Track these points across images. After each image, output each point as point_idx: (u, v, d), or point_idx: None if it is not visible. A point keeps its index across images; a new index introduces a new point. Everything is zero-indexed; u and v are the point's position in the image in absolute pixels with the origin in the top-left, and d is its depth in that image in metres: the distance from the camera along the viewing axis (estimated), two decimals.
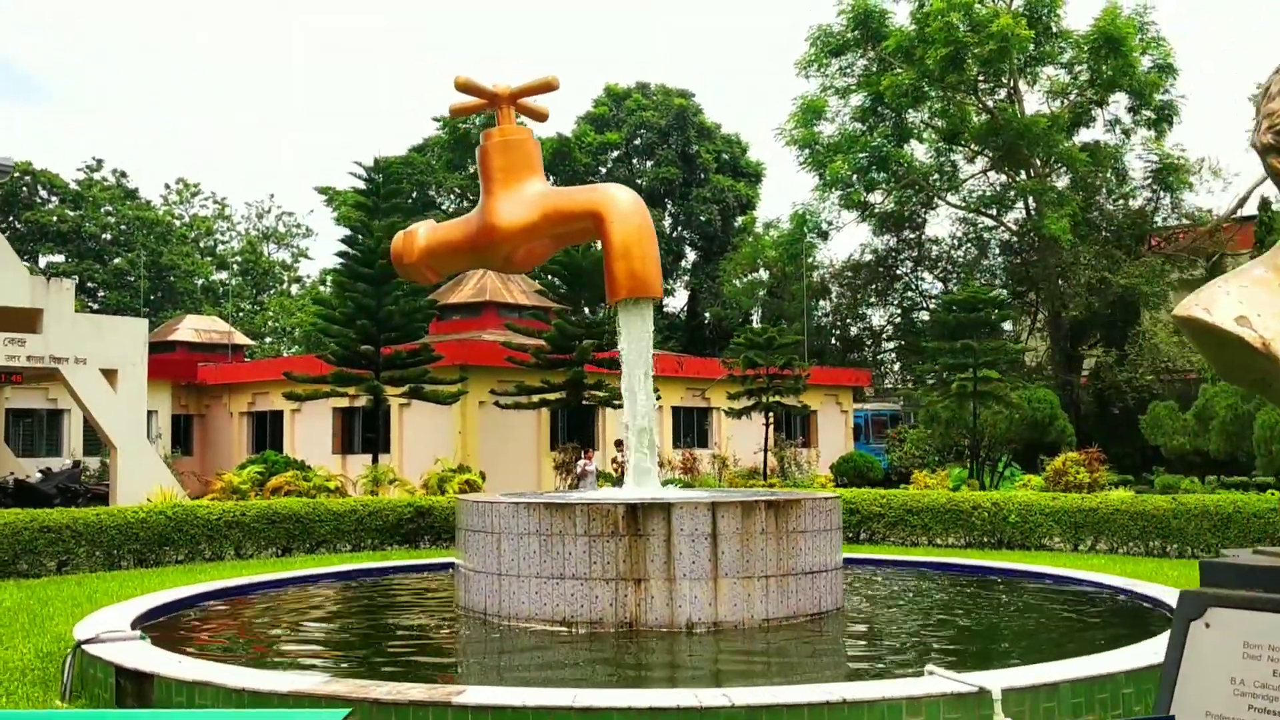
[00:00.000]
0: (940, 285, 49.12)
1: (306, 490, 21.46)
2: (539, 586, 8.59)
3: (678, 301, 59.40)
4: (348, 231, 24.27)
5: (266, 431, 32.31)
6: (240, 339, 43.15)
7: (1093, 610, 9.58)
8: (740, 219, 56.02)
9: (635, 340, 9.90)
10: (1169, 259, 42.80)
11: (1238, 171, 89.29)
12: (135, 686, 6.85)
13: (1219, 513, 15.51)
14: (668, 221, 55.50)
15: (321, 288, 71.78)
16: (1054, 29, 39.60)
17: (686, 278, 58.26)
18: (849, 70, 45.19)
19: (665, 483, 24.43)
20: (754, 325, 31.23)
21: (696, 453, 30.90)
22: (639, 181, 56.08)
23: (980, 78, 41.36)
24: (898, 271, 49.52)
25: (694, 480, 26.31)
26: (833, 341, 50.91)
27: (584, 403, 25.50)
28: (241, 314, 65.96)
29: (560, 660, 7.70)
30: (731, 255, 53.26)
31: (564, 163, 54.69)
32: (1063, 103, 43.66)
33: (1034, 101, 44.43)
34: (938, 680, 5.98)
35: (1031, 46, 38.34)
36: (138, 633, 7.75)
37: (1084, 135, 44.25)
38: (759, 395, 26.45)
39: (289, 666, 7.49)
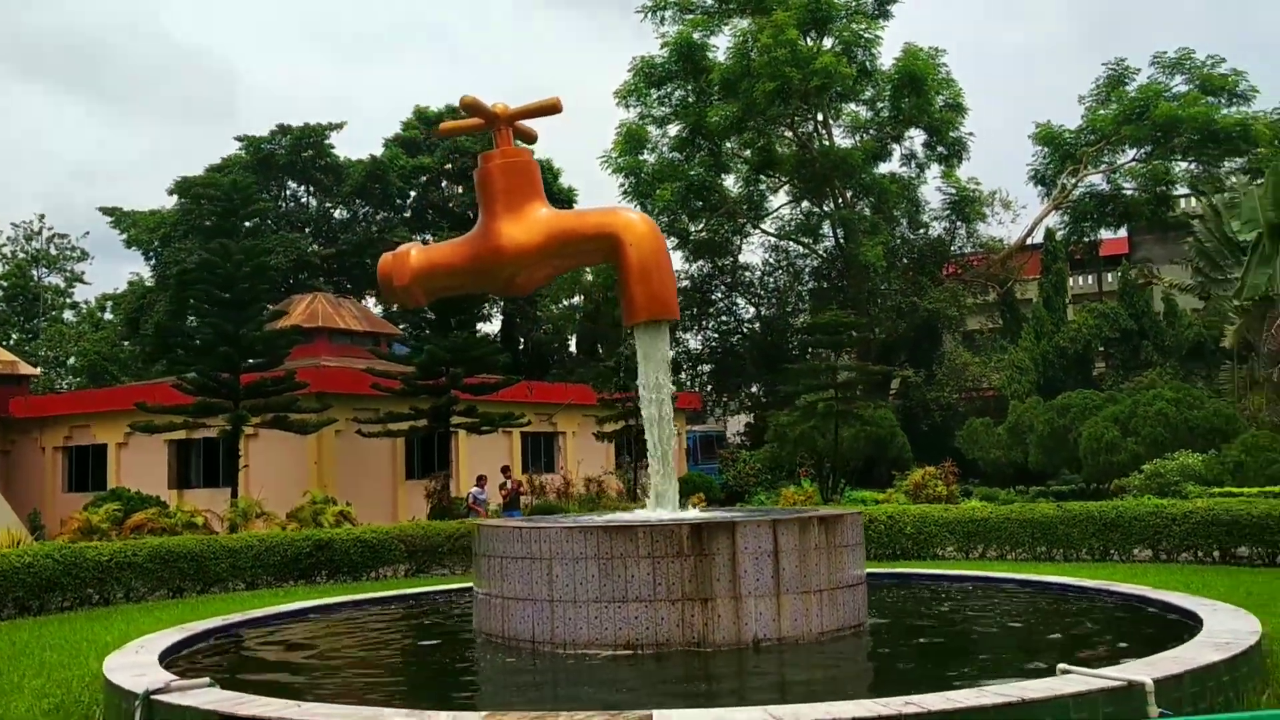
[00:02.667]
0: (753, 310, 50.86)
1: (171, 527, 20.23)
2: (599, 611, 8.51)
3: (493, 326, 59.02)
4: (146, 252, 23.07)
5: (88, 467, 30.07)
6: (25, 369, 40.02)
7: (1084, 609, 10.27)
8: None
9: (654, 362, 9.98)
10: (965, 285, 45.81)
11: (1024, 204, 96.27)
12: None
13: (1103, 518, 16.79)
14: None
15: (103, 314, 67.49)
16: (869, 67, 41.73)
17: (503, 302, 57.94)
18: (666, 100, 46.29)
19: (538, 510, 24.38)
20: (623, 351, 31.42)
21: (547, 477, 30.81)
22: (453, 206, 55.52)
23: (795, 113, 43.19)
24: (713, 297, 50.89)
25: (567, 503, 26.19)
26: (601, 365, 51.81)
27: (451, 429, 25.05)
28: (10, 343, 61.08)
29: (654, 681, 7.67)
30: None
31: (377, 185, 53.58)
32: (862, 137, 46.15)
33: (837, 135, 46.81)
34: (1086, 678, 6.35)
35: (857, 83, 40.28)
36: (206, 679, 7.23)
37: (881, 168, 46.88)
38: (629, 418, 26.69)
39: (393, 704, 7.14)
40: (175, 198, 53.15)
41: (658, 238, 9.95)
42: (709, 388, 56.37)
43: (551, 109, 10.60)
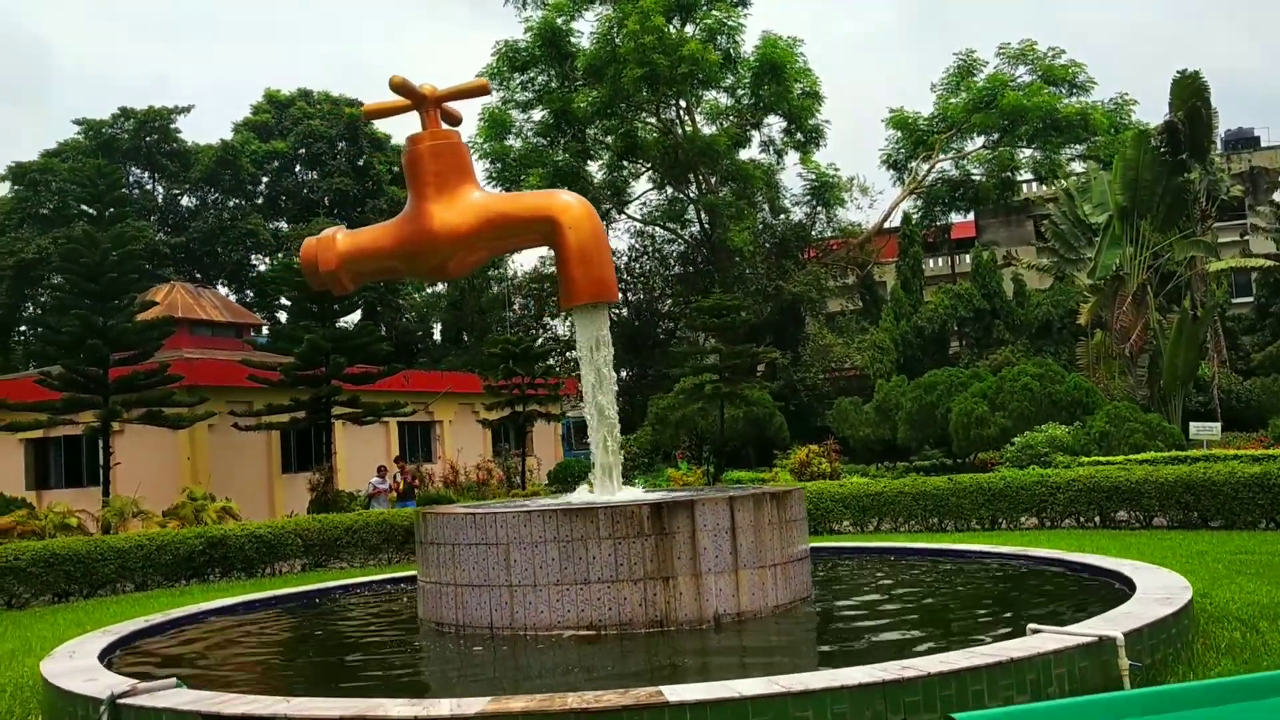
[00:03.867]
0: (620, 296, 51.11)
1: (42, 530, 19.24)
2: (560, 594, 8.49)
3: (355, 314, 57.70)
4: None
5: None
6: None
7: (1011, 575, 10.73)
8: None
9: (595, 343, 9.97)
10: (827, 268, 47.02)
11: (881, 190, 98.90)
12: None
13: (991, 489, 17.53)
14: None
15: None
16: (732, 54, 42.32)
17: (365, 290, 56.79)
18: (530, 85, 46.07)
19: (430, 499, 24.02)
20: (509, 335, 31.12)
21: (428, 467, 30.39)
22: (309, 195, 54.04)
23: (660, 99, 43.51)
24: None
25: (453, 492, 25.87)
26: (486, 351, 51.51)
27: (332, 420, 24.45)
28: None
29: (626, 660, 7.70)
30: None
31: (227, 171, 51.72)
32: (723, 124, 46.84)
33: (699, 122, 47.35)
34: (1060, 636, 6.66)
35: (722, 70, 40.78)
36: (173, 680, 6.93)
37: (742, 155, 47.68)
38: (516, 405, 26.50)
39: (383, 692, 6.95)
40: (8, 184, 50.28)
41: (595, 221, 9.92)
42: (578, 373, 56.55)
43: (480, 90, 10.46)
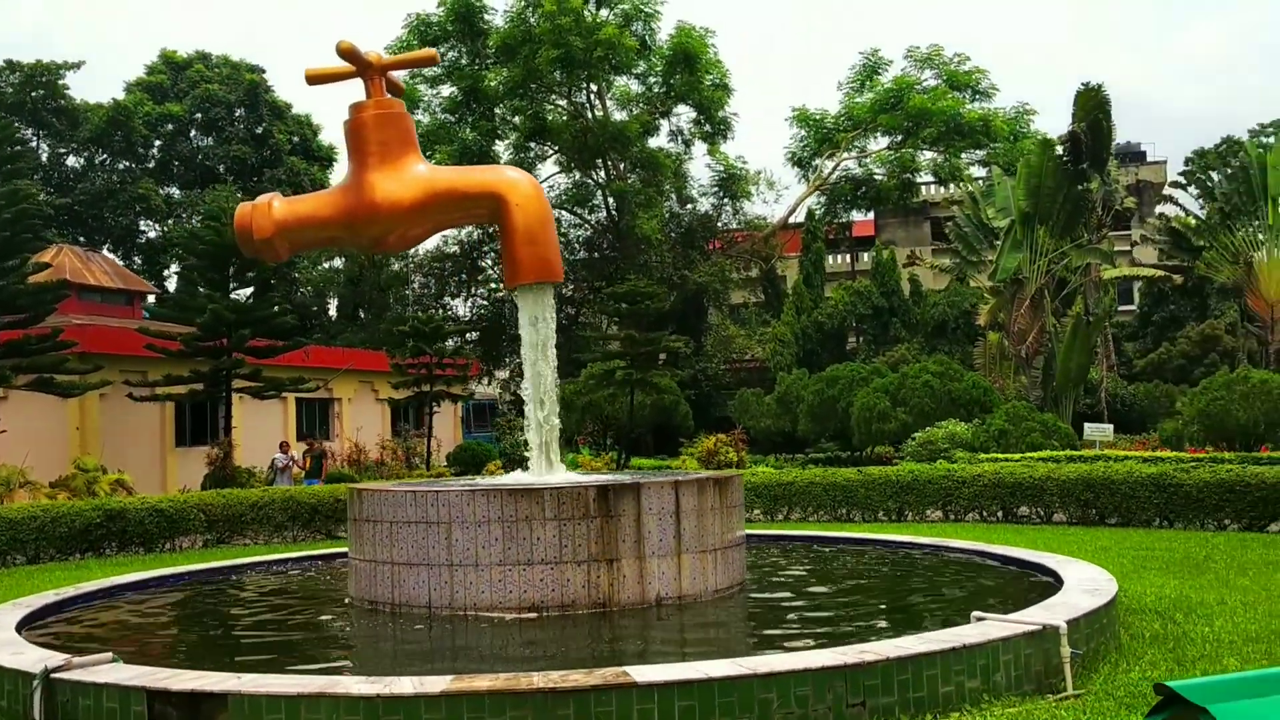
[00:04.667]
0: None
1: None
2: (503, 574, 8.41)
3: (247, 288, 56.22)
4: None
5: None
6: None
7: (937, 564, 10.97)
8: None
9: (538, 324, 9.89)
10: (731, 260, 47.43)
11: (788, 185, 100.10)
12: (188, 713, 5.97)
13: (899, 482, 17.92)
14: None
15: None
16: (648, 41, 42.29)
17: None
18: (439, 61, 45.36)
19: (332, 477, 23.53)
20: (420, 314, 30.58)
21: (328, 444, 29.79)
22: (204, 161, 52.39)
23: (572, 82, 43.30)
24: (482, 264, 50.44)
25: (355, 471, 25.39)
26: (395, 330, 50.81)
27: (232, 393, 23.79)
28: None
29: (571, 641, 7.67)
30: None
31: (119, 132, 49.84)
32: (632, 111, 46.84)
33: (609, 107, 47.28)
34: (1001, 624, 6.84)
35: (636, 57, 40.70)
36: (109, 654, 6.67)
37: (650, 143, 47.74)
38: (423, 384, 26.10)
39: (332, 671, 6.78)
40: None
41: (543, 200, 9.83)
42: (478, 355, 56.06)
43: (428, 61, 10.29)
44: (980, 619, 7.01)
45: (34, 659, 6.74)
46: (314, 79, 10.32)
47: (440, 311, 52.07)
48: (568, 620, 8.25)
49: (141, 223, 52.35)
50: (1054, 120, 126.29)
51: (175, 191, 53.97)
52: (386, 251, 11.01)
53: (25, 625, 8.68)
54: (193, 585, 11.05)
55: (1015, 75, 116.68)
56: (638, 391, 26.91)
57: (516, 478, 9.99)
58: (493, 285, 51.04)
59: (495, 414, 43.67)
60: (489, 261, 50.68)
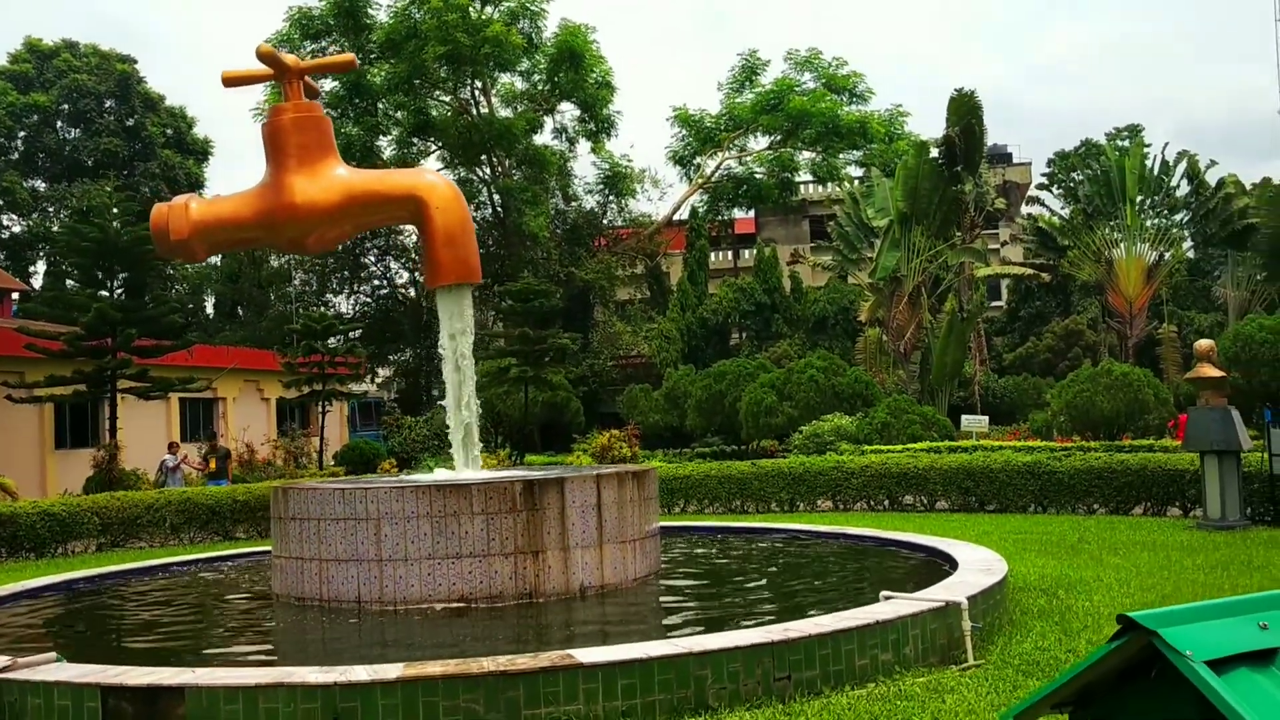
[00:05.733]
0: (407, 275, 50.46)
1: None
2: (432, 568, 8.68)
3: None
4: None
5: None
6: None
7: (833, 551, 11.58)
8: None
9: (456, 324, 10.15)
10: (616, 257, 47.95)
11: (671, 183, 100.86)
12: (144, 708, 6.11)
13: (791, 473, 18.61)
14: None
15: None
16: (534, 39, 42.46)
17: None
18: (320, 54, 44.77)
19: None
20: (311, 312, 30.13)
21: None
22: (72, 154, 50.61)
23: (458, 78, 43.25)
24: (365, 260, 49.96)
25: (245, 471, 25.03)
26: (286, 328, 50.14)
27: (117, 394, 23.27)
28: None
29: (504, 630, 7.99)
30: None
31: None
32: (516, 108, 47.02)
33: (494, 104, 47.32)
34: (908, 601, 7.41)
35: (522, 54, 40.81)
36: (52, 654, 6.74)
37: (534, 140, 47.95)
38: (315, 383, 25.89)
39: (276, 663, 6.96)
40: None
41: (462, 203, 10.10)
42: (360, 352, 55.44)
43: (346, 66, 10.45)
44: (889, 598, 7.56)
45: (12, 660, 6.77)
46: (230, 81, 10.40)
47: (323, 309, 51.48)
48: (497, 611, 8.57)
49: (4, 217, 50.33)
50: (926, 123, 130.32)
51: (40, 185, 52.03)
52: (304, 253, 11.11)
53: None
54: (104, 588, 11.00)
55: (887, 79, 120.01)
56: (531, 388, 27.18)
57: (442, 474, 10.24)
58: (375, 283, 50.62)
59: (382, 412, 43.32)
60: (371, 259, 50.24)
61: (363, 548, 8.80)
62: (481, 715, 5.94)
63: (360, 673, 6.05)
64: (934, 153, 30.87)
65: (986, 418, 25.10)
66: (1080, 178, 44.63)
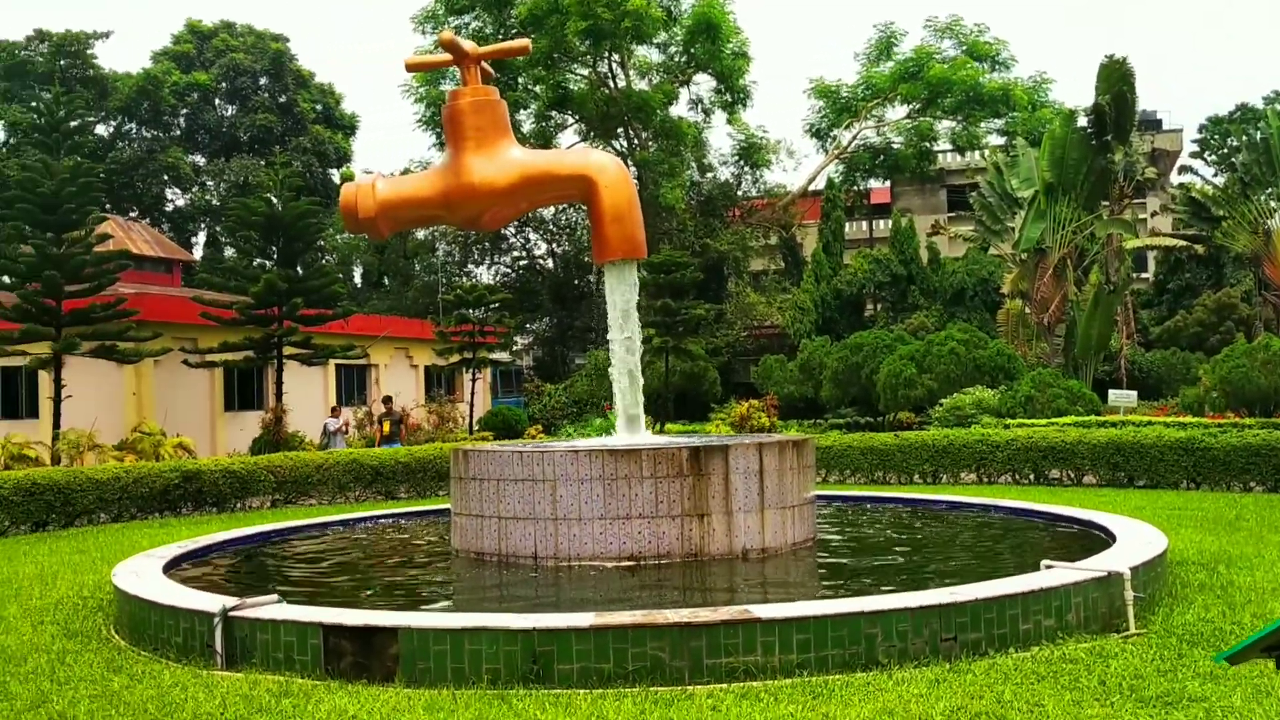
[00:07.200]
0: (545, 245, 51.51)
1: (0, 461, 19.22)
2: (604, 528, 9.21)
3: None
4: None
5: None
6: None
7: (987, 522, 11.77)
8: (338, 171, 54.85)
9: (623, 297, 10.63)
10: (751, 228, 48.07)
11: (807, 154, 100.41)
12: (361, 646, 6.76)
13: (935, 446, 18.70)
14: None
15: None
16: (673, 11, 42.72)
17: None
18: (464, 30, 45.85)
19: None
20: (462, 283, 31.28)
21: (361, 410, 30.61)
22: (229, 130, 52.95)
23: (597, 52, 43.80)
24: (504, 231, 51.11)
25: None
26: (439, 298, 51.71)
27: (282, 360, 24.59)
28: None
29: (673, 588, 8.47)
30: (335, 209, 52.11)
31: (146, 101, 50.43)
32: (651, 80, 47.33)
33: (630, 77, 47.75)
34: (1070, 570, 7.62)
35: (660, 26, 41.13)
36: (275, 596, 7.47)
37: (670, 112, 48.19)
38: (466, 351, 26.91)
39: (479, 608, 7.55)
40: None
41: (629, 181, 10.56)
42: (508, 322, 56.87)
43: (521, 50, 10.97)
44: (1049, 567, 7.79)
45: (207, 600, 7.55)
46: (413, 67, 11.06)
47: (465, 279, 52.94)
48: (664, 569, 9.06)
49: (168, 191, 53.03)
50: (1071, 90, 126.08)
51: (199, 159, 54.60)
52: (479, 229, 11.75)
53: (169, 569, 9.53)
54: (294, 538, 11.89)
55: (1029, 44, 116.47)
56: (670, 358, 27.67)
57: (611, 440, 10.77)
58: (515, 254, 51.79)
59: (521, 379, 44.48)
60: (510, 230, 51.37)
61: (539, 507, 9.38)
62: (666, 663, 6.42)
63: (556, 620, 6.60)
64: (1082, 121, 30.17)
65: (1134, 393, 24.62)
66: (1236, 144, 42.86)
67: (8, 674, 6.97)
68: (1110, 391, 24.27)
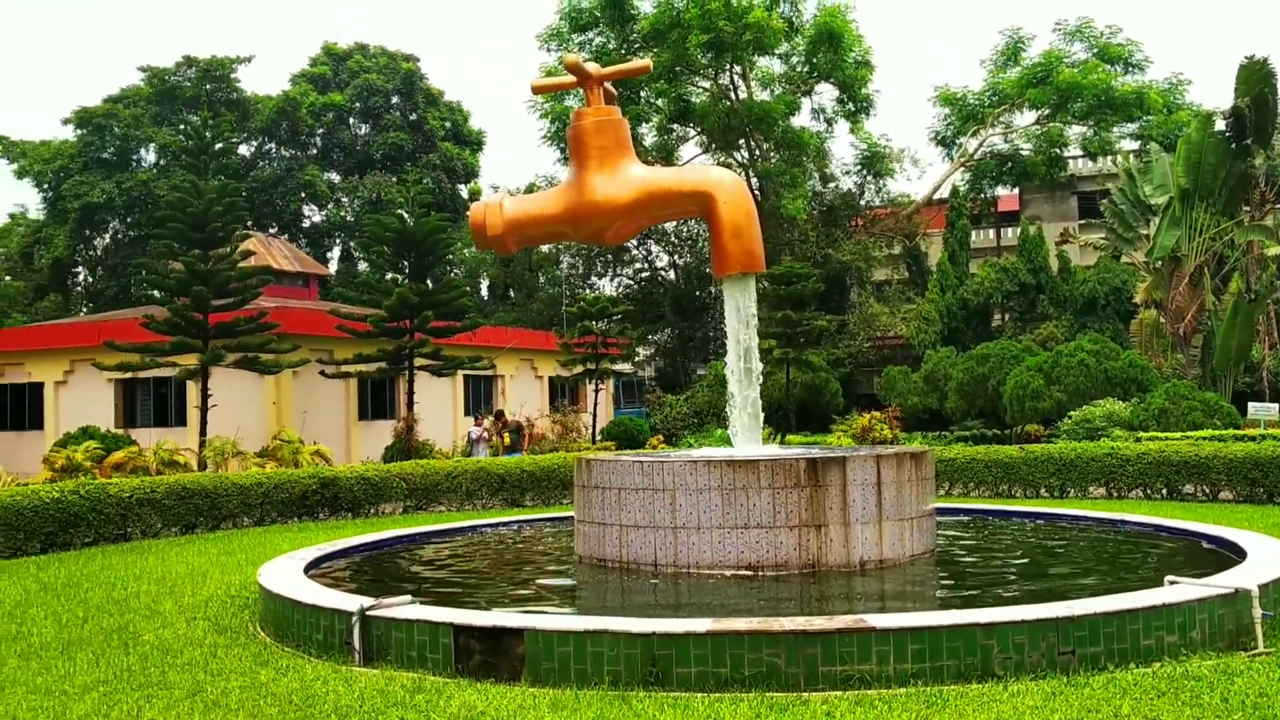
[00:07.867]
0: (666, 257, 51.95)
1: (153, 466, 20.32)
2: (722, 536, 9.40)
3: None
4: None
5: (25, 404, 29.41)
6: None
7: (1110, 537, 11.59)
8: (466, 187, 56.26)
9: (741, 311, 10.82)
10: (874, 238, 47.66)
11: (931, 162, 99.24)
12: (490, 645, 7.09)
13: (1062, 459, 18.36)
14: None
15: None
16: (794, 22, 42.75)
17: None
18: (588, 46, 46.63)
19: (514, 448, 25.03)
20: (592, 294, 32.00)
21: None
22: (363, 148, 54.77)
23: (719, 65, 44.06)
24: (626, 244, 51.74)
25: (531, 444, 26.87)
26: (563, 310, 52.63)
27: (414, 371, 25.41)
28: None
29: (790, 597, 8.61)
30: (463, 224, 53.48)
31: (285, 121, 52.53)
32: (773, 91, 47.33)
33: (752, 88, 47.85)
34: (1195, 586, 7.52)
35: (782, 37, 41.20)
36: (407, 597, 7.86)
37: (791, 122, 48.11)
38: (590, 362, 27.43)
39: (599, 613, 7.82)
40: (72, 128, 51.16)
41: (748, 197, 10.74)
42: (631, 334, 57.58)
43: (642, 70, 11.26)
44: (1174, 582, 7.70)
45: (346, 600, 7.98)
46: (539, 89, 11.47)
47: (588, 291, 53.78)
48: (781, 579, 9.20)
49: (305, 208, 55.13)
50: (1208, 92, 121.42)
51: (334, 177, 56.62)
52: (602, 244, 12.03)
53: (309, 570, 10.07)
54: (423, 543, 12.38)
55: (1164, 45, 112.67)
56: (792, 369, 27.69)
57: (729, 450, 10.96)
58: (637, 266, 52.35)
59: (643, 390, 44.92)
60: (633, 243, 51.95)
61: (659, 515, 9.62)
62: (782, 669, 6.58)
63: (675, 625, 6.82)
64: (1220, 124, 29.18)
65: (1276, 405, 23.69)
66: None
67: (166, 665, 7.51)
68: (1250, 404, 23.41)
